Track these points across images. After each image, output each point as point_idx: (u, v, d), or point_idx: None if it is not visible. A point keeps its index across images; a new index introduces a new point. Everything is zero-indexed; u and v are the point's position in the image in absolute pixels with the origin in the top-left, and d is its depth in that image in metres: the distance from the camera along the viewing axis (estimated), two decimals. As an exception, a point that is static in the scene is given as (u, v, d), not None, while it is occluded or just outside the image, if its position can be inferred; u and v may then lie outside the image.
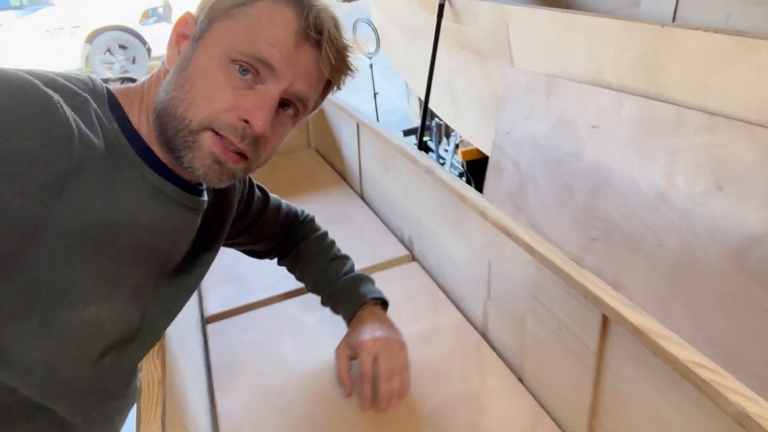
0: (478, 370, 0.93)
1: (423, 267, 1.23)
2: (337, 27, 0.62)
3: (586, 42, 1.41)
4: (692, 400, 0.57)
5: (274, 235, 1.01)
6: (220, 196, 0.80)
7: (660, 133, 1.18)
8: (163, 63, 0.64)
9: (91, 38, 6.75)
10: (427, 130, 3.37)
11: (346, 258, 1.03)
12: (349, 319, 0.92)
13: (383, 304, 0.96)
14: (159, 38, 6.77)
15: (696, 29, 1.09)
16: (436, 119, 3.44)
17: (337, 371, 0.88)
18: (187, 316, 1.02)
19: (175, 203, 0.65)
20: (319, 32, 0.60)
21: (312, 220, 1.07)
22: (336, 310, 0.97)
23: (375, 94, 3.82)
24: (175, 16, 7.07)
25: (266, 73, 0.59)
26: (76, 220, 0.54)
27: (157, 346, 0.72)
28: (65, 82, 0.56)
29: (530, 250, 0.79)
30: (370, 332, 0.85)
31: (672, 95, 1.19)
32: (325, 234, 1.07)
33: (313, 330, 1.05)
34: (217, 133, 0.58)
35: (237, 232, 0.92)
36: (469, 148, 2.40)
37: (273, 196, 1.01)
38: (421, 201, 1.21)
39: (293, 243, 1.03)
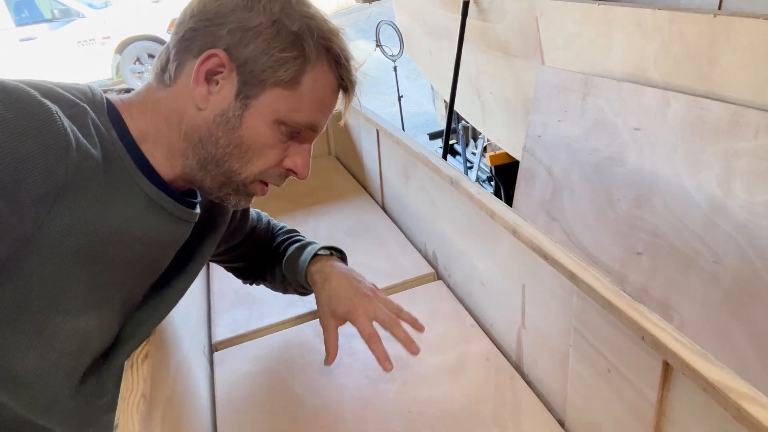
0: (513, 410, 0.82)
1: (449, 286, 1.13)
2: (356, 78, 0.69)
3: (625, 36, 1.28)
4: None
5: (257, 251, 1.00)
6: (216, 208, 0.81)
7: (713, 136, 1.05)
8: (169, 78, 0.63)
9: (120, 48, 6.88)
10: (454, 133, 3.26)
11: (296, 235, 1.03)
12: (305, 281, 0.91)
13: (336, 252, 0.96)
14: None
15: (756, 17, 0.96)
16: (463, 122, 3.33)
17: (327, 343, 0.86)
18: (193, 343, 0.94)
19: (169, 215, 0.66)
20: (352, 84, 0.68)
21: (269, 221, 1.05)
22: (293, 279, 0.93)
23: (399, 97, 3.72)
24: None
25: (309, 132, 0.67)
26: (70, 229, 0.54)
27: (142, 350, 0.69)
28: (63, 92, 0.57)
29: (572, 277, 0.68)
30: (347, 294, 0.85)
31: (727, 93, 1.05)
32: (283, 226, 1.05)
33: (356, 349, 0.96)
34: (264, 182, 0.68)
35: (228, 248, 0.94)
36: (498, 152, 2.28)
37: (263, 213, 1.03)
38: (445, 214, 1.10)
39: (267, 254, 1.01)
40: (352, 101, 0.70)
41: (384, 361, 0.81)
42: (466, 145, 3.15)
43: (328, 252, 0.94)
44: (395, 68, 3.62)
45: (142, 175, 0.62)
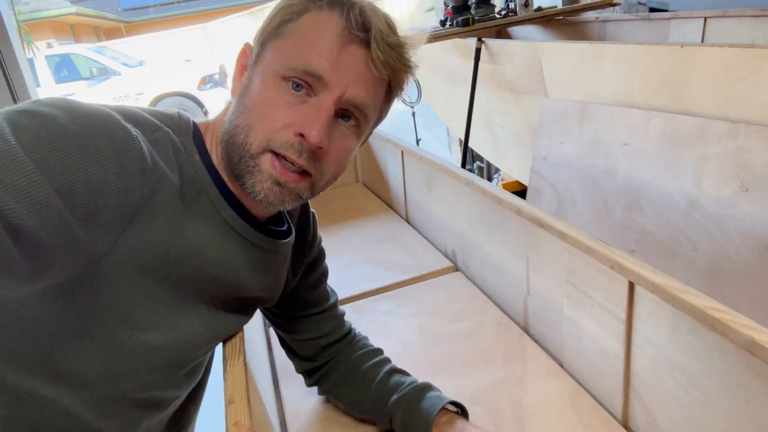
0: (520, 357, 0.99)
1: (466, 276, 1.32)
2: (387, 23, 0.60)
3: (614, 69, 1.51)
4: (710, 344, 0.63)
5: (318, 331, 0.88)
6: (298, 236, 0.81)
7: (686, 144, 1.26)
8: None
9: (153, 103, 7.26)
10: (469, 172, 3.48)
11: (406, 373, 0.88)
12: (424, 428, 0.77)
13: (462, 412, 0.80)
14: (216, 102, 7.24)
15: (712, 46, 1.18)
16: (478, 162, 3.56)
17: None
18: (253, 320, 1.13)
19: (243, 239, 0.66)
20: (365, 29, 0.58)
21: (365, 337, 0.94)
22: (403, 417, 0.79)
23: (417, 140, 3.98)
24: (230, 82, 7.53)
25: (318, 84, 0.58)
26: (141, 251, 0.55)
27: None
28: (148, 117, 0.59)
29: (562, 236, 0.88)
30: None
31: (696, 109, 1.27)
32: (381, 349, 0.92)
33: (390, 322, 1.14)
34: (276, 154, 0.58)
35: (292, 290, 0.86)
36: (509, 181, 2.50)
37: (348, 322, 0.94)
38: (462, 213, 1.30)
39: (341, 360, 0.90)
40: (390, 62, 0.60)
41: None
42: (481, 182, 3.36)
43: (455, 408, 0.79)
44: (413, 114, 3.90)
45: (222, 198, 0.63)
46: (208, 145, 0.64)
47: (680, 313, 0.66)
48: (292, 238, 0.75)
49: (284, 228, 0.74)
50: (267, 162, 0.59)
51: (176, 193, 0.58)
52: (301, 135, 0.58)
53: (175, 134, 0.61)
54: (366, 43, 0.59)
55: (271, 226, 0.72)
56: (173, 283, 0.60)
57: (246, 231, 0.66)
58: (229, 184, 0.64)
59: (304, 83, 0.58)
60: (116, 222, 0.52)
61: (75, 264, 0.52)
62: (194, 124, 0.65)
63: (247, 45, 0.64)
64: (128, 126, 0.54)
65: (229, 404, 0.59)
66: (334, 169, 0.63)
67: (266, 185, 0.59)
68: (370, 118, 0.64)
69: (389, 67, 0.60)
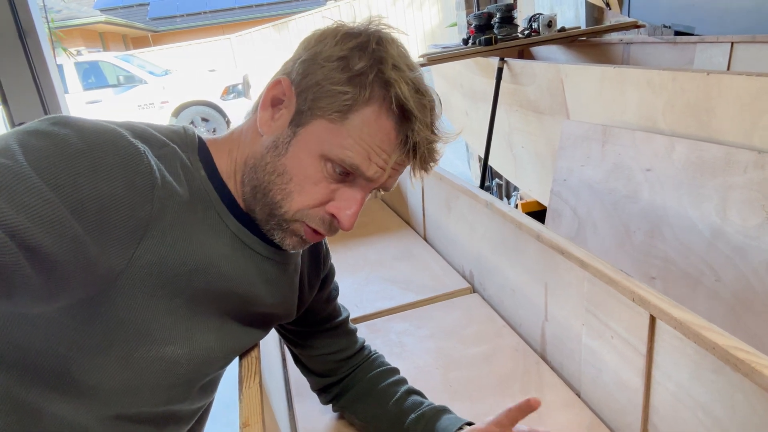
0: (537, 385, 0.98)
1: (483, 298, 1.31)
2: (434, 132, 0.63)
3: (637, 93, 1.50)
4: (734, 384, 0.62)
5: (331, 347, 0.90)
6: (311, 249, 0.83)
7: (711, 173, 1.24)
8: (248, 115, 0.67)
9: (177, 112, 7.39)
10: (488, 191, 3.48)
11: (423, 395, 0.88)
12: None
13: None
14: (238, 112, 7.33)
15: (740, 74, 1.17)
16: (497, 180, 3.55)
17: None
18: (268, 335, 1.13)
19: (252, 251, 0.67)
20: (414, 152, 0.61)
21: (381, 355, 0.95)
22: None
23: (437, 157, 3.98)
24: (254, 92, 7.66)
25: (361, 180, 0.62)
26: (155, 266, 0.56)
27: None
28: (155, 133, 0.60)
29: (582, 264, 0.87)
30: None
31: (721, 137, 1.25)
32: (397, 369, 0.93)
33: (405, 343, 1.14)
34: (306, 224, 0.63)
35: (306, 308, 0.86)
36: (528, 201, 2.48)
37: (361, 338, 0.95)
38: (481, 235, 1.30)
39: (357, 376, 0.91)
40: (423, 165, 0.63)
41: None
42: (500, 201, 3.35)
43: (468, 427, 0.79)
44: (433, 130, 3.91)
45: (228, 212, 0.64)
46: (221, 163, 0.65)
47: (703, 350, 0.65)
48: (300, 249, 0.75)
49: None
50: (299, 228, 0.64)
51: (186, 208, 0.59)
52: (333, 216, 0.62)
53: (181, 150, 0.62)
54: (406, 143, 0.61)
55: None
56: (188, 298, 0.61)
57: (254, 243, 0.67)
58: (243, 205, 0.66)
59: (347, 172, 0.61)
60: (129, 238, 0.53)
61: (91, 282, 0.52)
62: (200, 139, 0.66)
63: (285, 80, 0.62)
64: (136, 142, 0.55)
65: (243, 427, 0.60)
66: None
67: (294, 240, 0.65)
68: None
69: (424, 170, 0.65)
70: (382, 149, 0.60)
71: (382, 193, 0.67)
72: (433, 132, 0.63)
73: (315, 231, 0.64)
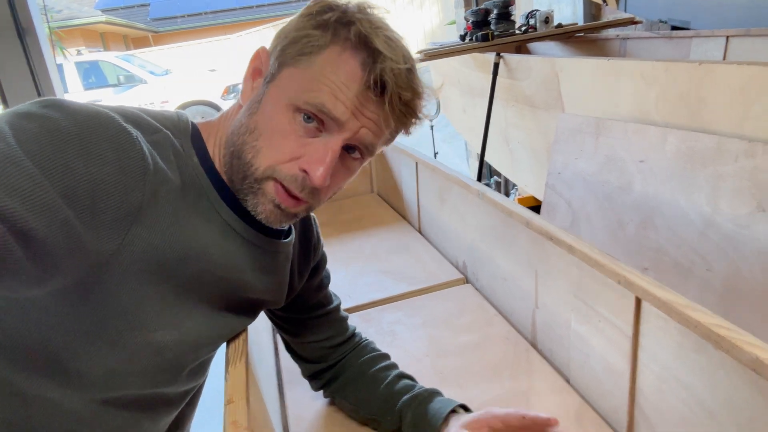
0: (527, 372, 0.98)
1: (476, 288, 1.31)
2: (406, 76, 0.60)
3: (631, 85, 1.50)
4: (715, 362, 0.62)
5: (322, 334, 0.90)
6: (302, 238, 0.82)
7: (702, 162, 1.24)
8: (237, 98, 0.66)
9: (177, 111, 7.39)
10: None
11: (414, 379, 0.88)
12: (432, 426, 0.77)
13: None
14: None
15: (731, 63, 1.17)
16: (495, 177, 3.56)
17: None
18: (261, 322, 1.14)
19: (244, 240, 0.67)
20: (383, 88, 0.59)
21: (372, 342, 0.96)
22: (412, 417, 0.80)
23: (435, 154, 3.99)
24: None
25: (330, 123, 0.59)
26: (145, 252, 0.56)
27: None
28: (148, 119, 0.59)
29: (571, 249, 0.87)
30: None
31: (713, 127, 1.25)
32: (388, 354, 0.93)
33: (397, 331, 1.14)
34: (279, 182, 0.60)
35: (297, 293, 0.86)
36: (525, 196, 2.48)
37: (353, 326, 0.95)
38: (473, 226, 1.30)
39: (349, 362, 0.91)
40: (401, 119, 0.62)
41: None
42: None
43: (462, 410, 0.80)
44: (432, 127, 3.91)
45: (220, 199, 0.64)
46: (209, 147, 0.65)
47: (686, 330, 0.65)
48: (292, 238, 0.76)
49: (284, 228, 0.74)
50: (270, 188, 0.61)
51: (178, 194, 0.59)
52: (305, 172, 0.59)
53: (174, 136, 0.61)
54: (383, 97, 0.60)
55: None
56: (178, 284, 0.61)
57: (246, 232, 0.67)
58: (230, 186, 0.65)
59: (317, 118, 0.59)
60: (120, 222, 0.53)
61: (82, 266, 0.52)
62: (193, 125, 0.65)
63: (263, 49, 0.64)
64: (128, 127, 0.54)
65: (228, 404, 0.60)
66: (329, 197, 0.66)
67: (267, 207, 0.62)
68: (374, 152, 0.66)
69: (400, 120, 0.63)
70: (347, 86, 0.58)
71: (367, 159, 0.65)
72: (406, 77, 0.60)
73: (288, 192, 0.61)
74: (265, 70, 0.63)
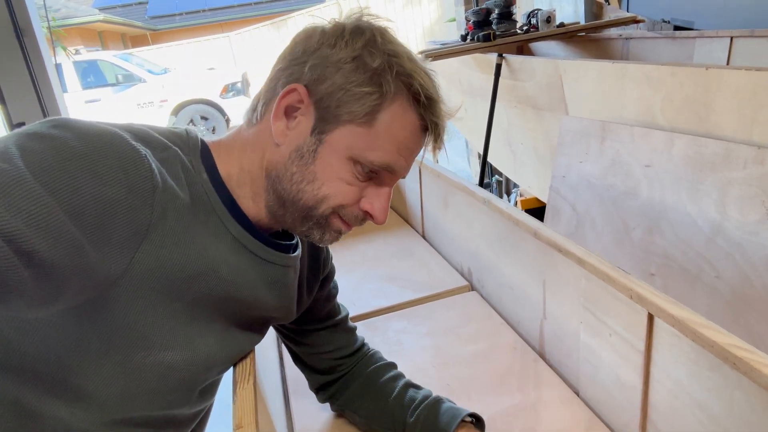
0: (535, 384, 0.97)
1: (482, 296, 1.30)
2: (443, 109, 0.65)
3: (636, 88, 1.49)
4: (732, 382, 0.61)
5: (330, 345, 0.90)
6: (312, 252, 0.83)
7: (710, 168, 1.23)
8: (256, 117, 0.65)
9: (176, 110, 7.37)
10: (488, 187, 3.47)
11: (419, 387, 0.89)
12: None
13: (477, 422, 0.82)
14: (237, 110, 7.31)
15: (739, 68, 1.16)
16: (496, 177, 3.54)
17: None
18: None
19: (253, 255, 0.67)
20: (434, 130, 0.64)
21: (378, 351, 0.95)
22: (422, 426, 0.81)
23: (436, 153, 3.97)
24: (252, 90, 7.64)
25: (387, 175, 0.64)
26: (155, 270, 0.55)
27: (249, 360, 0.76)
28: (156, 136, 0.59)
29: (580, 261, 0.86)
30: None
31: (721, 132, 1.24)
32: (394, 364, 0.93)
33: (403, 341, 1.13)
34: (340, 216, 0.65)
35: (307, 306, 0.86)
36: (528, 197, 2.47)
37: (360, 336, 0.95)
38: (479, 232, 1.29)
39: (357, 372, 0.91)
40: (439, 144, 0.66)
41: None
42: (500, 198, 3.34)
43: (471, 419, 0.81)
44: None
45: (230, 216, 0.64)
46: (220, 165, 0.65)
47: (701, 348, 0.64)
48: (299, 252, 0.75)
49: (291, 242, 0.74)
50: (337, 222, 0.66)
51: (187, 212, 0.58)
52: (367, 212, 0.65)
53: (183, 153, 0.61)
54: (427, 129, 0.65)
55: (277, 240, 0.72)
56: (188, 302, 0.61)
57: (255, 247, 0.67)
58: (248, 210, 0.66)
59: (377, 173, 0.64)
60: (129, 242, 0.53)
61: (90, 286, 0.52)
62: (202, 142, 0.65)
63: (300, 88, 0.61)
64: (137, 145, 0.54)
65: (237, 429, 0.59)
66: None
67: (333, 236, 0.67)
68: None
69: (439, 148, 0.68)
70: (411, 141, 0.63)
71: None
72: (443, 108, 0.65)
73: (347, 224, 0.66)
74: (306, 111, 0.62)
